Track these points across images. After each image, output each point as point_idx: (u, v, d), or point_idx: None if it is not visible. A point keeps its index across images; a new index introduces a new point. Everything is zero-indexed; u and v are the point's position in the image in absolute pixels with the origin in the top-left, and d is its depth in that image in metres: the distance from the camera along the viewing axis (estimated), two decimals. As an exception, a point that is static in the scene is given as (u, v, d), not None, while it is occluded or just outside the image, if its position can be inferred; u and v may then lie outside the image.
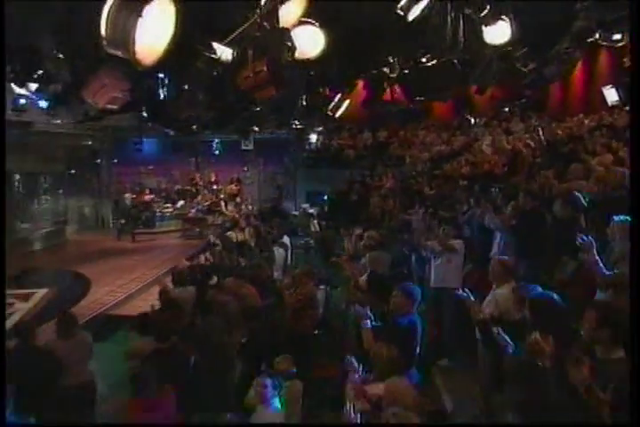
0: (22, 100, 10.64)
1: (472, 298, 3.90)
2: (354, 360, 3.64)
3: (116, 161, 19.57)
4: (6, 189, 13.44)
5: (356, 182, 14.50)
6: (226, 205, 18.00)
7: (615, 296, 3.37)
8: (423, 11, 8.71)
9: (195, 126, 10.87)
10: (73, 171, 17.56)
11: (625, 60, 11.37)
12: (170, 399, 4.33)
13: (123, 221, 16.82)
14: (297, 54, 7.00)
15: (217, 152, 20.02)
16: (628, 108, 9.81)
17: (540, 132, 10.57)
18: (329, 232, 11.23)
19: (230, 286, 6.21)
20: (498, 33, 9.01)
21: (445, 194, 9.76)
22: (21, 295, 9.58)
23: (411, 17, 8.71)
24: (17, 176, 14.14)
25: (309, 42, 7.18)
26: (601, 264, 3.53)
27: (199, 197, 18.66)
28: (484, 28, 9.51)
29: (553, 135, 10.73)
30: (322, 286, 7.39)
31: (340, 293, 7.33)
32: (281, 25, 6.31)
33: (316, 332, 5.05)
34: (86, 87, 4.94)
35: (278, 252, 9.00)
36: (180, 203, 18.49)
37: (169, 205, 18.30)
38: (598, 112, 11.83)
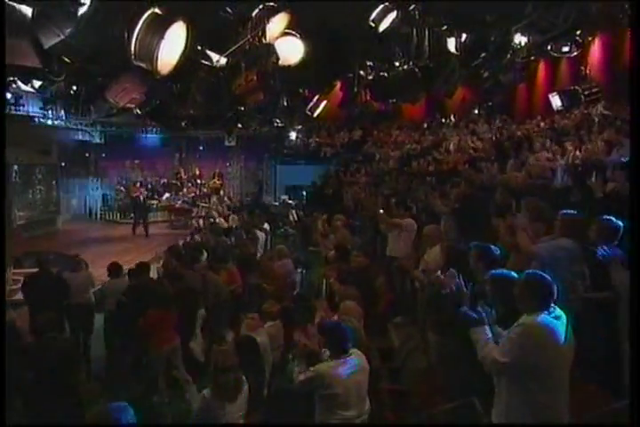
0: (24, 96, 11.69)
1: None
2: None
3: (104, 155, 20.57)
4: (6, 180, 14.44)
5: (331, 177, 15.72)
6: (209, 198, 19.15)
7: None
8: (392, 22, 10.06)
9: (184, 123, 12.04)
10: (63, 164, 18.50)
11: (582, 68, 12.85)
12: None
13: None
14: (280, 61, 8.30)
15: (201, 148, 21.10)
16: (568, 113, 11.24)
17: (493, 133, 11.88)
18: (307, 220, 12.41)
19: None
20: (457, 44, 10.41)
21: (412, 188, 11.02)
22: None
23: (381, 28, 10.09)
24: (15, 167, 15.08)
25: (291, 51, 8.51)
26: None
27: (184, 190, 19.79)
28: (447, 38, 10.92)
29: (513, 136, 12.07)
30: (299, 269, 8.75)
31: (314, 272, 8.75)
32: (268, 38, 7.58)
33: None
34: (110, 89, 6.10)
35: (260, 235, 10.22)
36: (166, 195, 19.61)
37: (155, 197, 19.40)
38: (552, 115, 13.21)
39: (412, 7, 9.76)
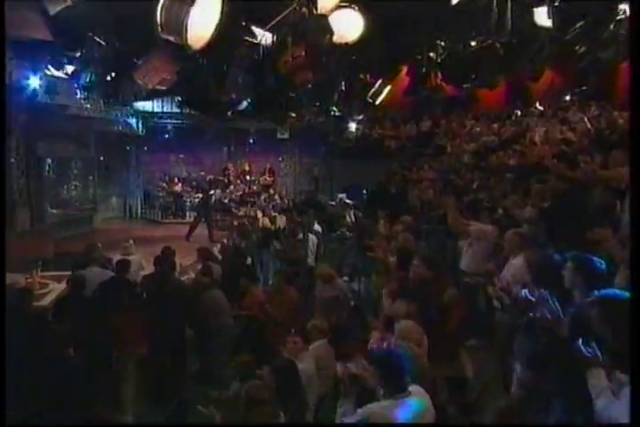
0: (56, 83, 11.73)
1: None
2: None
3: (146, 149, 20.80)
4: (37, 174, 14.74)
5: (395, 174, 15.23)
6: (259, 197, 19.01)
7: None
8: (468, -9, 9.47)
9: (230, 112, 11.82)
10: (102, 157, 18.77)
11: None
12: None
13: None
14: (335, 38, 7.86)
15: (251, 141, 20.98)
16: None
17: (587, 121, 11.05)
18: (366, 222, 11.98)
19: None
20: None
21: (489, 186, 10.40)
22: (56, 277, 10.66)
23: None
24: (48, 160, 15.33)
25: (348, 26, 8.01)
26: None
27: (232, 187, 19.74)
28: (534, 9, 10.17)
29: (614, 124, 11.17)
30: (345, 279, 8.39)
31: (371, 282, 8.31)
32: (319, 10, 7.18)
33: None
34: (138, 69, 5.89)
35: (311, 237, 9.88)
36: (211, 193, 19.58)
37: (200, 195, 19.41)
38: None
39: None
